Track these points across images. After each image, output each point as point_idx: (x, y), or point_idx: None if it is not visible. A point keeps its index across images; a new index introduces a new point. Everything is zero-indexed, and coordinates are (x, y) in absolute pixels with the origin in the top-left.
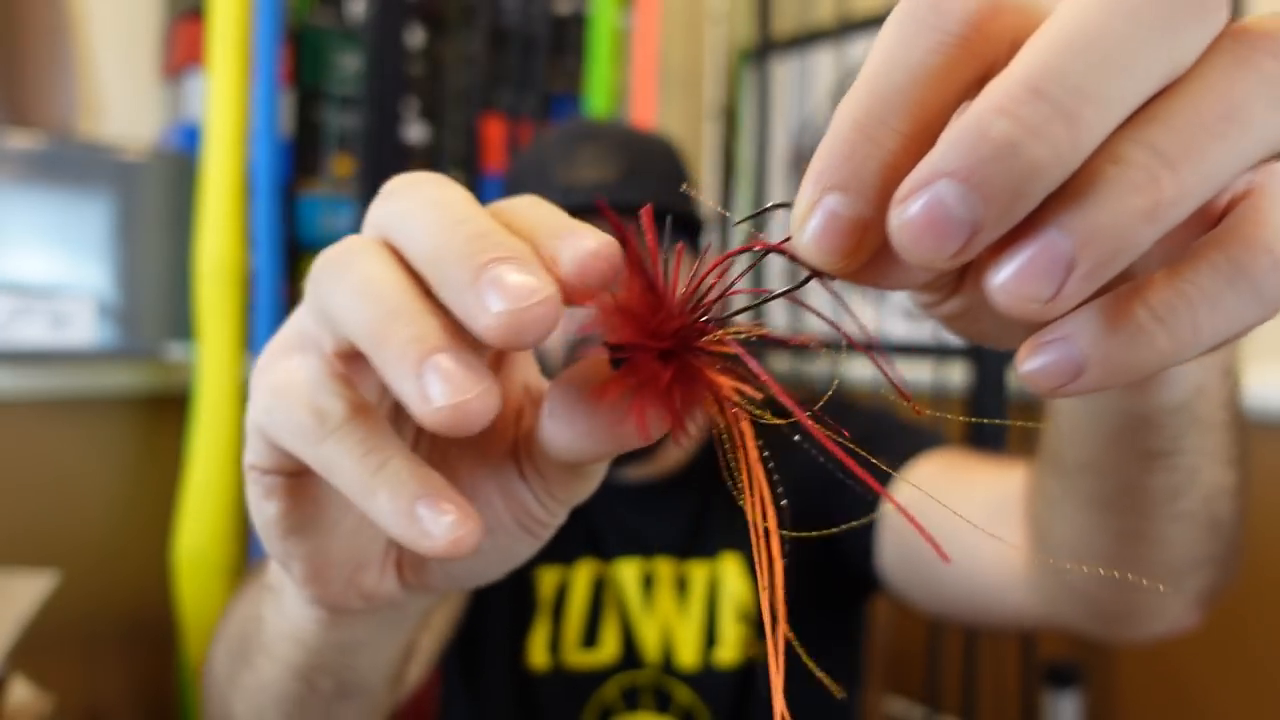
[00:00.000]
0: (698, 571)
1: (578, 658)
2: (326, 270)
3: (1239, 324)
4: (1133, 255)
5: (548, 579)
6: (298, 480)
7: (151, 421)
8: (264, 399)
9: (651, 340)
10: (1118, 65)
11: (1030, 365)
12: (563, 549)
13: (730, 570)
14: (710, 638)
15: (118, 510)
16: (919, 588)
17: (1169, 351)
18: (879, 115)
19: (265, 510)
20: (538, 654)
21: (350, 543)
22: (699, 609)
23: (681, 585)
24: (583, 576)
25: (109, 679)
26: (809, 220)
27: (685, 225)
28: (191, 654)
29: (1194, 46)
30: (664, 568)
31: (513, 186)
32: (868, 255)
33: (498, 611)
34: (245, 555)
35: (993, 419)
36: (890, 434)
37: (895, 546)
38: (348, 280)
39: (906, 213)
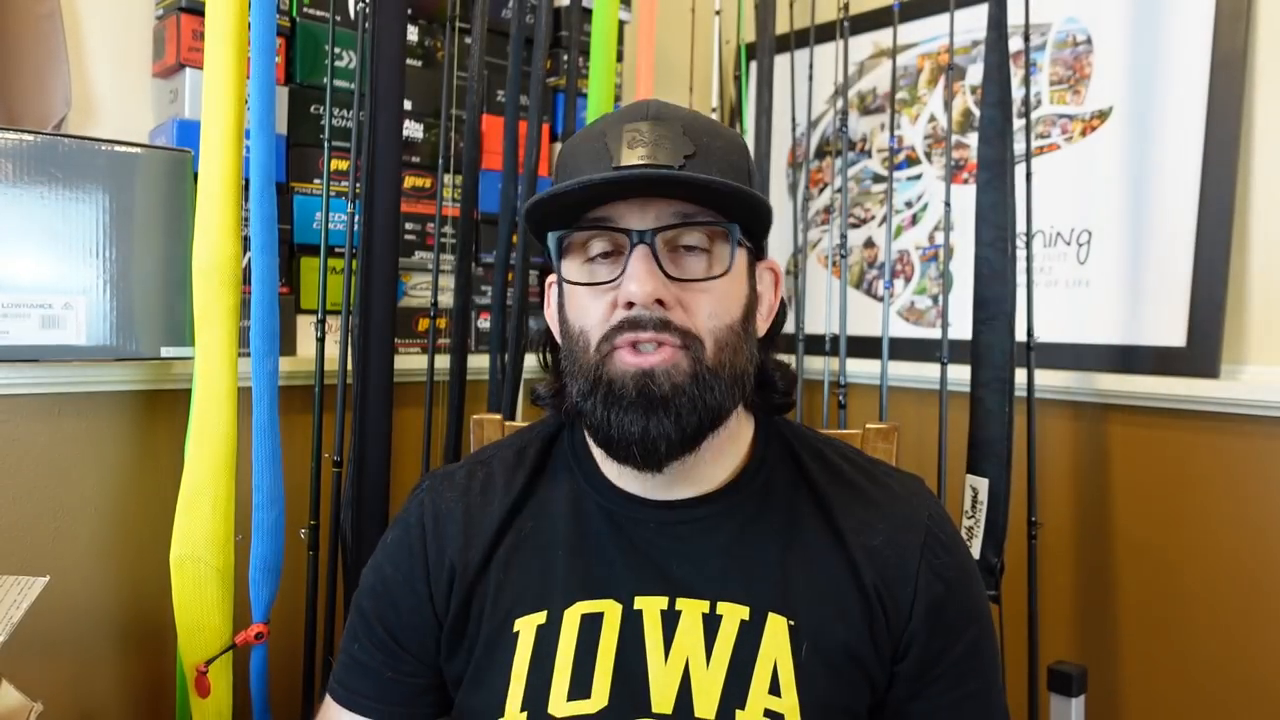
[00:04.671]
0: (731, 616)
1: (566, 709)
2: None
3: None
4: None
5: (526, 626)
6: None
7: (145, 420)
8: None
9: None
10: None
11: None
12: (561, 593)
13: (776, 631)
14: (736, 695)
15: (111, 510)
16: None
17: None
18: None
19: None
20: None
21: None
22: (724, 659)
23: (711, 628)
24: (571, 619)
25: (101, 682)
26: None
27: (752, 217)
28: (185, 657)
29: None
30: (691, 607)
31: (568, 159)
32: None
33: (486, 670)
34: (238, 558)
35: (993, 416)
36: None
37: None
38: None
39: None
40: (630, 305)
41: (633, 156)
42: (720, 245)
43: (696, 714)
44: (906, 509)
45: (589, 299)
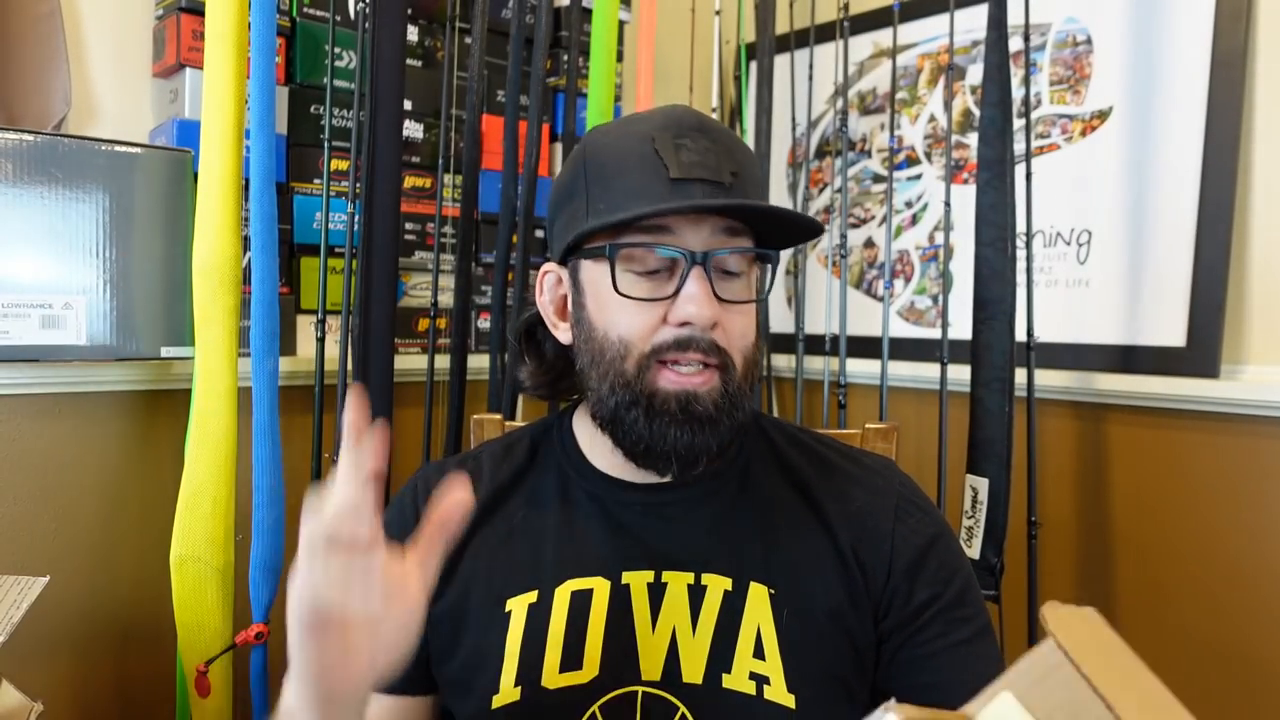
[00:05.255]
0: (715, 587)
1: (559, 681)
2: None
3: None
4: None
5: (517, 605)
6: None
7: (145, 420)
8: None
9: None
10: None
11: None
12: (549, 572)
13: (757, 600)
14: (722, 660)
15: (111, 510)
16: None
17: None
18: None
19: None
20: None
21: None
22: (710, 627)
23: (696, 599)
24: (562, 596)
25: (101, 682)
26: None
27: (787, 243)
28: (185, 657)
29: None
30: (676, 580)
31: (610, 162)
32: None
33: (484, 644)
34: (238, 558)
35: (993, 416)
36: (969, 595)
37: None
38: None
39: None
40: (684, 324)
41: (688, 167)
42: (755, 269)
43: (684, 680)
44: (879, 478)
45: (635, 310)
